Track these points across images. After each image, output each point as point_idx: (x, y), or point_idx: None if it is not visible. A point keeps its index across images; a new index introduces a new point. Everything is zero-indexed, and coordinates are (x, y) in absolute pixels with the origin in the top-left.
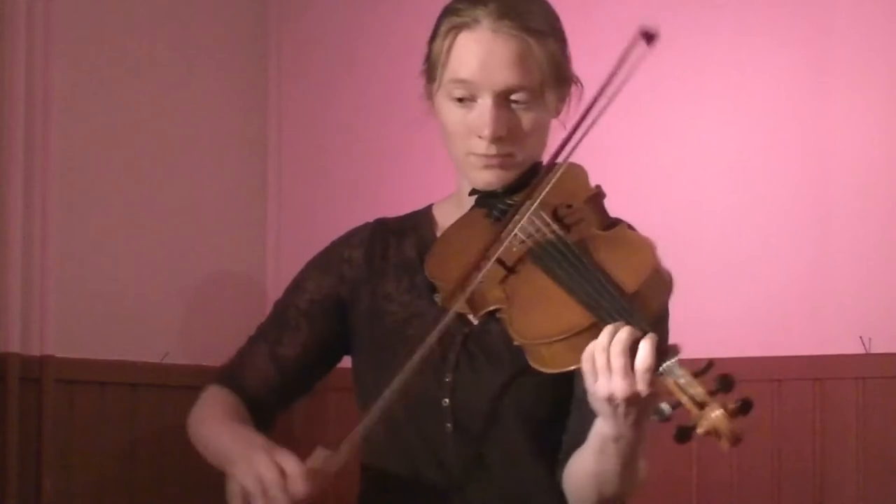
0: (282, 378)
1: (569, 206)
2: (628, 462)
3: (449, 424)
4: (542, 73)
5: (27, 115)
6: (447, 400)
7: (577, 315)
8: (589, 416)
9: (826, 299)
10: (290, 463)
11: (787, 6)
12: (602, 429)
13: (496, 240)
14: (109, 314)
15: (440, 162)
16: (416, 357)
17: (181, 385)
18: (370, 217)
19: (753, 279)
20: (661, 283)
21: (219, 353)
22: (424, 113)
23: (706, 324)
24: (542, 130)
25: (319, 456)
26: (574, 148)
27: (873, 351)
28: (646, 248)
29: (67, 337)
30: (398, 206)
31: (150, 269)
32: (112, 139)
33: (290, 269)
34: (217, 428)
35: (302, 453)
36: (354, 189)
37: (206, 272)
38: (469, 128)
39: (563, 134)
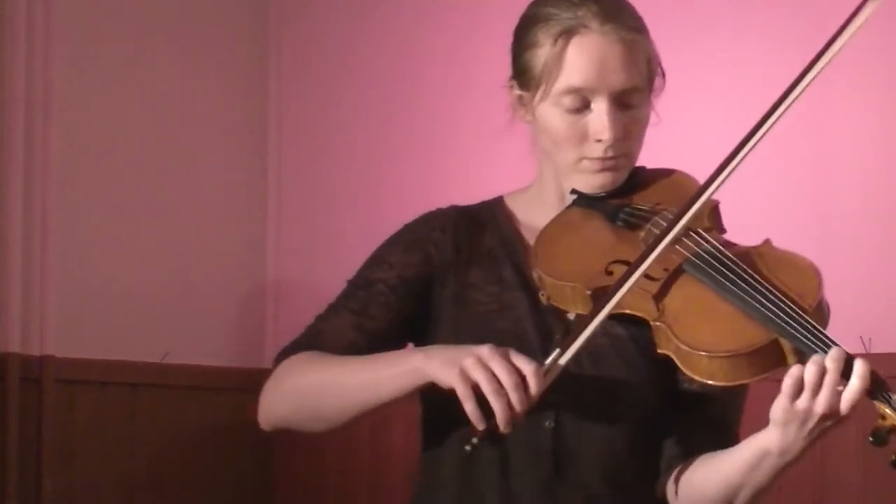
0: (368, 349)
1: (698, 218)
2: (776, 479)
3: (549, 422)
4: (648, 71)
5: (27, 115)
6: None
7: (754, 331)
8: (702, 426)
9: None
10: (523, 359)
11: (787, 5)
12: (767, 442)
13: (649, 249)
14: (109, 314)
15: (440, 162)
16: (563, 359)
17: (181, 385)
18: (370, 218)
19: None
20: (825, 309)
21: (219, 353)
22: (509, 122)
23: None
24: (646, 127)
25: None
26: (743, 160)
27: (873, 351)
28: (813, 271)
29: (67, 337)
30: (398, 205)
31: (151, 269)
32: (112, 139)
33: (290, 269)
34: (343, 363)
35: (302, 455)
36: (354, 189)
37: (207, 272)
38: (583, 132)
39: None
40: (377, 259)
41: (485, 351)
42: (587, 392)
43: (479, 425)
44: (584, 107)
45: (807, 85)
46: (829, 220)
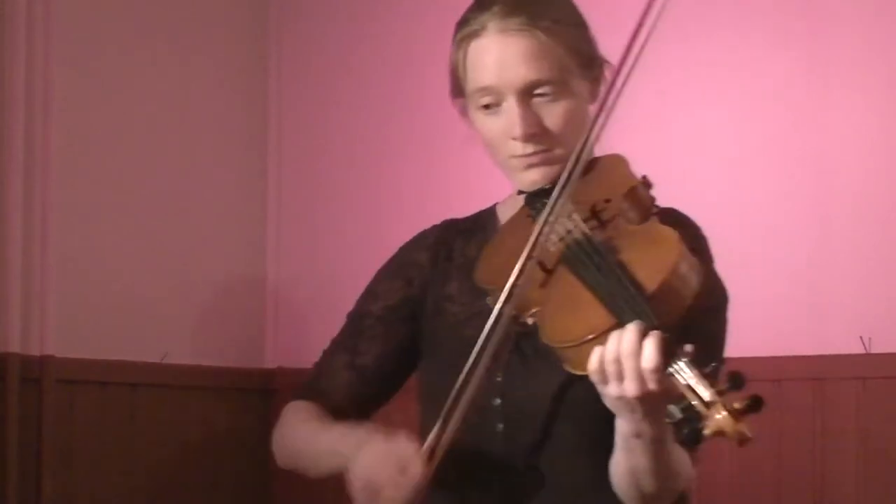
0: (361, 386)
1: (607, 201)
2: (657, 458)
3: (500, 425)
4: (560, 62)
5: (27, 115)
6: (498, 400)
7: (598, 317)
8: None
9: (826, 299)
10: (404, 445)
11: (787, 6)
12: (622, 427)
13: (533, 242)
14: (109, 314)
15: (440, 162)
16: (482, 360)
17: (181, 385)
18: (370, 218)
19: (753, 279)
20: (683, 279)
21: (219, 353)
22: (468, 129)
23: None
24: (576, 120)
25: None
26: (595, 135)
27: (873, 351)
28: (668, 241)
29: (67, 337)
30: (398, 205)
31: (150, 269)
32: (112, 139)
33: (290, 269)
34: (313, 432)
35: None
36: (354, 189)
37: (206, 272)
38: (503, 132)
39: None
40: (368, 291)
41: (371, 446)
42: (533, 393)
43: None
44: (497, 105)
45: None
46: (829, 220)
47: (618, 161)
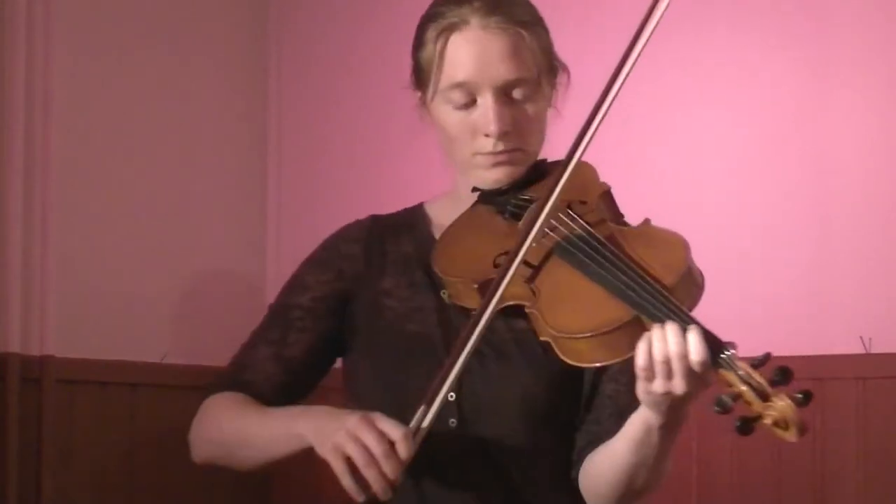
0: (288, 379)
1: (583, 203)
2: (667, 450)
3: (453, 420)
4: (536, 63)
5: (27, 115)
6: (453, 395)
7: (615, 309)
8: (608, 413)
9: (826, 299)
10: (391, 425)
11: (787, 5)
12: (647, 418)
13: (522, 237)
14: (109, 314)
15: (440, 162)
16: (462, 358)
17: (181, 385)
18: None
19: (753, 279)
20: (694, 280)
21: (219, 353)
22: (419, 122)
23: (706, 323)
24: (543, 122)
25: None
26: (592, 137)
27: (873, 351)
28: (679, 244)
29: (67, 337)
30: (398, 205)
31: (150, 268)
32: (112, 139)
33: (290, 270)
34: (248, 416)
35: (309, 454)
36: (354, 189)
37: (206, 272)
38: (474, 128)
39: (562, 126)
40: (295, 281)
41: (353, 422)
42: (491, 388)
43: (359, 498)
44: (471, 102)
45: (632, 65)
46: (829, 220)
47: (586, 167)
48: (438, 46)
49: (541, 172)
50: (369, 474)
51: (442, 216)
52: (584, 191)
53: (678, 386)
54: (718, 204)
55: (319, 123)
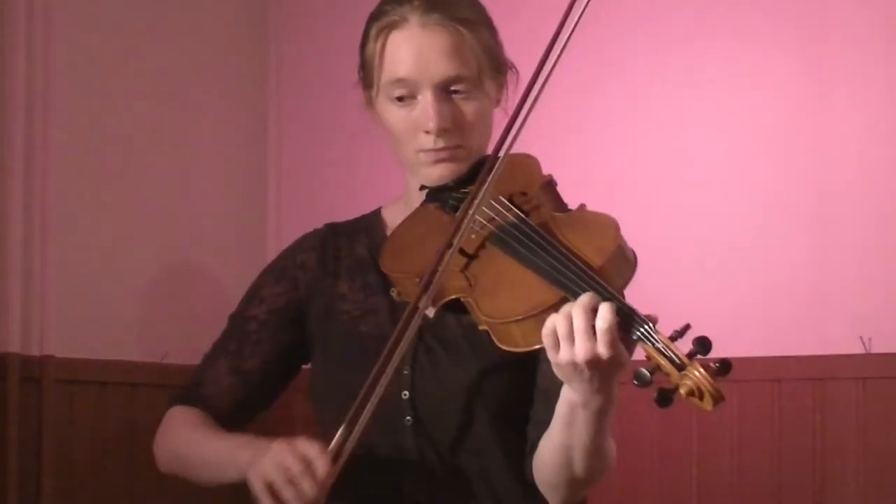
0: (246, 392)
1: (524, 194)
2: (597, 434)
3: (409, 417)
4: (478, 61)
5: (27, 116)
6: (407, 393)
7: (545, 292)
8: (554, 404)
9: (826, 299)
10: (307, 445)
11: (787, 10)
12: (569, 396)
13: (455, 229)
14: (109, 314)
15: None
16: (395, 355)
17: (181, 385)
18: None
19: (754, 279)
20: (625, 259)
21: None
22: (368, 121)
23: (706, 323)
24: (486, 120)
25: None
26: (520, 130)
27: (873, 351)
28: (609, 226)
29: (67, 337)
30: None
31: (150, 269)
32: (112, 139)
33: None
34: (201, 439)
35: None
36: (354, 189)
37: (206, 272)
38: (414, 125)
39: (505, 124)
40: (251, 293)
41: (274, 447)
42: (443, 384)
43: None
44: (411, 99)
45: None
46: (829, 220)
47: (529, 159)
48: (379, 44)
49: (482, 169)
50: (288, 494)
51: (396, 218)
52: (527, 182)
53: (580, 350)
54: (719, 204)
55: (319, 123)
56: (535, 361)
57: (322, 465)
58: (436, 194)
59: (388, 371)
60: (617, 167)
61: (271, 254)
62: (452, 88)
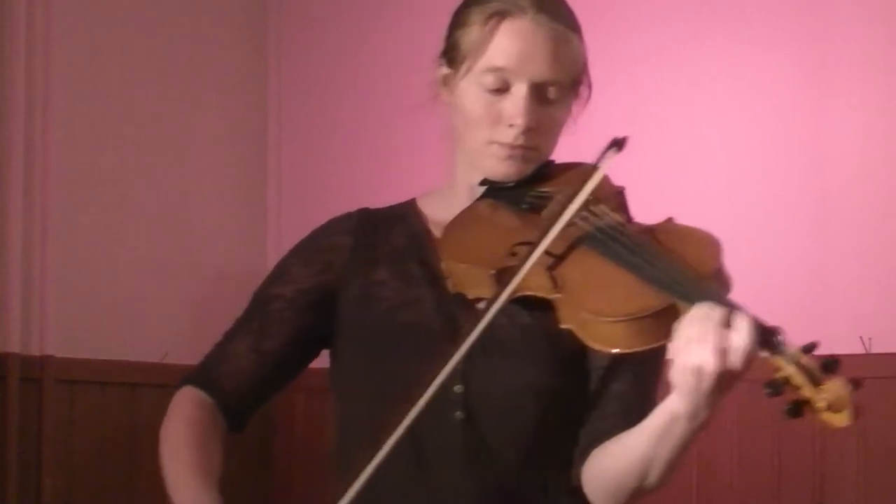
0: (262, 373)
1: (599, 200)
2: (687, 444)
3: (459, 413)
4: (574, 70)
5: (27, 116)
6: (460, 387)
7: (650, 296)
8: (613, 411)
9: (826, 299)
10: None
11: (787, 9)
12: (674, 407)
13: (547, 225)
14: (109, 314)
15: (440, 161)
16: (464, 347)
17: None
18: None
19: (753, 279)
20: (726, 277)
21: None
22: (429, 99)
23: None
24: (560, 128)
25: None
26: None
27: (873, 351)
28: (711, 241)
29: (67, 337)
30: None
31: (150, 269)
32: (112, 139)
33: None
34: (179, 466)
35: (302, 455)
36: (354, 189)
37: (206, 272)
38: (498, 116)
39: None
40: (279, 272)
41: None
42: (498, 383)
43: None
44: (503, 89)
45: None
46: (829, 220)
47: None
48: (488, 28)
49: (547, 173)
50: None
51: (436, 211)
52: (601, 190)
53: (711, 360)
54: (719, 204)
55: (319, 123)
56: (584, 362)
57: None
58: (498, 192)
59: (450, 365)
60: (616, 167)
61: (271, 254)
62: (547, 91)
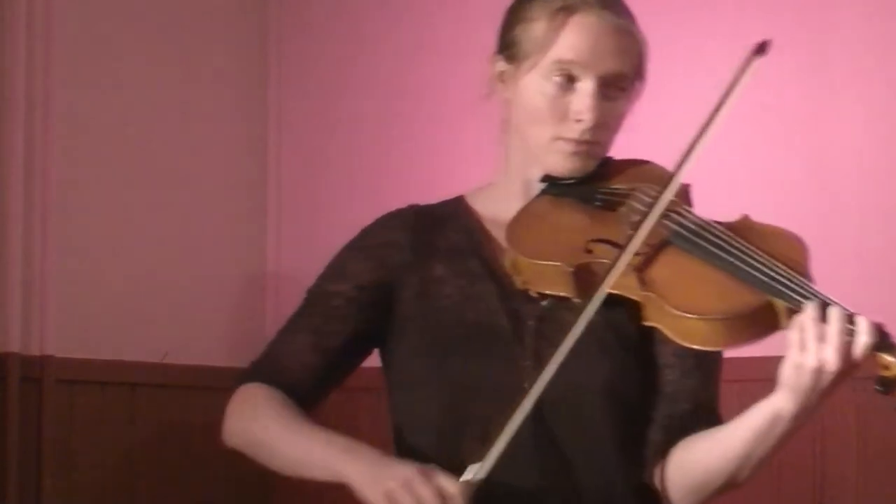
0: (327, 370)
1: (674, 200)
2: (783, 444)
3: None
4: (637, 65)
5: (27, 116)
6: (528, 384)
7: (748, 295)
8: (684, 409)
9: None
10: (446, 482)
11: (787, 9)
12: (778, 406)
13: (637, 225)
14: (109, 314)
15: (442, 161)
16: (565, 347)
17: (181, 385)
18: (370, 217)
19: None
20: (811, 277)
21: (219, 353)
22: (482, 96)
23: None
24: (621, 123)
25: (470, 469)
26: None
27: None
28: (799, 239)
29: (67, 337)
30: (398, 203)
31: (150, 268)
32: (112, 139)
33: (290, 269)
34: (286, 430)
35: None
36: (354, 189)
37: (206, 272)
38: (564, 111)
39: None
40: (335, 268)
41: (408, 473)
42: (570, 380)
43: None
44: (570, 84)
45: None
46: (829, 220)
47: (658, 165)
48: (556, 23)
49: (606, 168)
50: None
51: (488, 207)
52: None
53: (831, 358)
54: (718, 204)
55: (320, 124)
56: (653, 361)
57: None
58: (562, 187)
59: (548, 371)
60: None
61: (271, 255)
62: (612, 86)
